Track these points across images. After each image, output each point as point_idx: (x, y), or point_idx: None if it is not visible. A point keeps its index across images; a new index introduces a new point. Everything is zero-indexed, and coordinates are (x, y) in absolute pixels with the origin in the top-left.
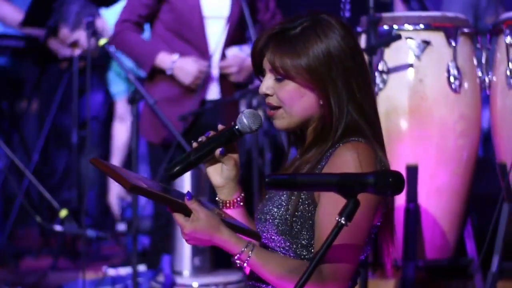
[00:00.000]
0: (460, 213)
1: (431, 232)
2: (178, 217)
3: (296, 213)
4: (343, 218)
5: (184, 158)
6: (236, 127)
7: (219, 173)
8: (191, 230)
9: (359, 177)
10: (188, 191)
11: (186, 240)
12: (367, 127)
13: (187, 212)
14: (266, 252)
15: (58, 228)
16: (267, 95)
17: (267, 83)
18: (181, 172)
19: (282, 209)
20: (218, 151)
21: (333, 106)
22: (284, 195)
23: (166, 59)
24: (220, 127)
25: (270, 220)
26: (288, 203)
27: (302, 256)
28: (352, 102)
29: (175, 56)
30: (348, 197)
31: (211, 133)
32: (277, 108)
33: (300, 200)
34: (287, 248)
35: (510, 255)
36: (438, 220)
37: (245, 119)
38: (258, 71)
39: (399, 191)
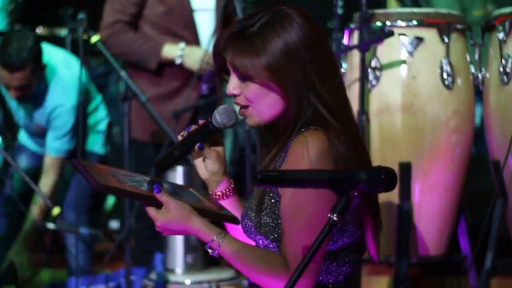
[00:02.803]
0: (453, 210)
1: (424, 229)
2: (150, 211)
3: (263, 211)
4: (335, 215)
5: (169, 153)
6: (212, 122)
7: (205, 167)
8: (162, 222)
9: (350, 173)
10: (156, 184)
11: (161, 232)
12: (330, 118)
13: (159, 204)
14: (236, 242)
15: (50, 226)
16: (235, 95)
17: (233, 83)
18: (167, 166)
19: (254, 209)
20: (196, 146)
21: (291, 102)
22: (254, 195)
23: (173, 49)
24: (200, 122)
25: (249, 221)
26: (256, 202)
27: None
28: (313, 95)
29: (182, 44)
30: (340, 194)
31: (192, 127)
32: (246, 107)
33: (265, 198)
34: (268, 245)
35: (504, 252)
36: (432, 217)
37: (218, 116)
38: (222, 71)
39: (391, 188)
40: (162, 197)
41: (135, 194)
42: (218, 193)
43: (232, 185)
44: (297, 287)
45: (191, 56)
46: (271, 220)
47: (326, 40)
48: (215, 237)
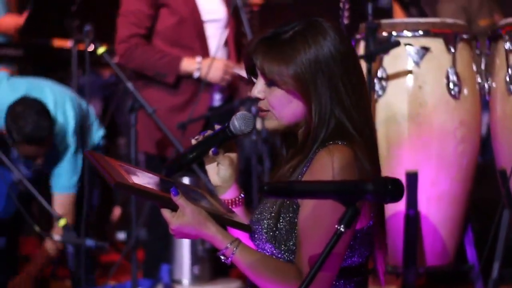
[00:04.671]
0: (460, 220)
1: (431, 238)
2: (165, 213)
3: (281, 220)
4: (342, 226)
5: (182, 156)
6: (229, 128)
7: (217, 172)
8: (177, 226)
9: (357, 184)
10: (173, 186)
11: (174, 235)
12: (354, 133)
13: (174, 207)
14: (250, 250)
15: (56, 237)
16: (258, 98)
17: (259, 87)
18: (178, 169)
19: (268, 217)
20: (211, 151)
21: (313, 114)
22: (269, 203)
23: (191, 62)
24: (216, 126)
25: (259, 229)
26: (272, 210)
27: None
28: (340, 108)
29: (199, 58)
30: (347, 205)
31: (208, 131)
32: (267, 111)
33: (284, 207)
34: (277, 255)
35: (511, 262)
36: (439, 227)
37: (236, 121)
38: (250, 73)
39: (397, 199)
40: (179, 200)
41: (151, 195)
42: (228, 200)
43: (242, 195)
44: None
45: (209, 68)
46: (285, 230)
47: (357, 57)
48: (229, 244)
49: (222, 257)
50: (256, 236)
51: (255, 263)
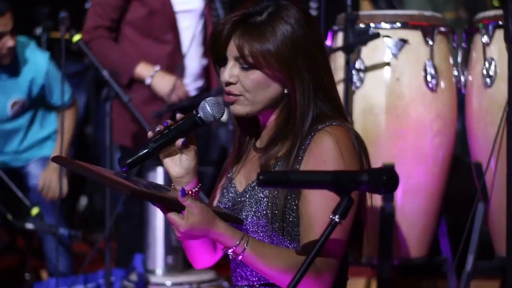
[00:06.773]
0: (435, 212)
1: (406, 231)
2: (173, 217)
3: (286, 209)
4: (337, 216)
5: (142, 148)
6: (199, 115)
7: (178, 164)
8: (187, 227)
9: (353, 174)
10: (182, 188)
11: (180, 237)
12: (335, 113)
13: (181, 209)
14: (260, 244)
15: (29, 226)
16: (229, 83)
17: (232, 71)
18: (137, 163)
19: (264, 206)
20: (180, 142)
21: (298, 96)
22: (264, 192)
23: (147, 69)
24: (178, 116)
25: (255, 218)
26: (269, 200)
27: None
28: (319, 90)
29: (157, 67)
30: (342, 195)
31: (169, 122)
32: (238, 95)
33: (288, 197)
34: (279, 243)
35: (484, 255)
36: (414, 219)
37: (208, 107)
38: (217, 59)
39: (393, 189)
40: (186, 201)
41: (159, 198)
42: (186, 191)
43: (199, 185)
44: (320, 283)
45: (162, 80)
46: (290, 219)
47: (322, 36)
48: (239, 241)
49: (232, 254)
50: (245, 227)
51: (267, 256)
